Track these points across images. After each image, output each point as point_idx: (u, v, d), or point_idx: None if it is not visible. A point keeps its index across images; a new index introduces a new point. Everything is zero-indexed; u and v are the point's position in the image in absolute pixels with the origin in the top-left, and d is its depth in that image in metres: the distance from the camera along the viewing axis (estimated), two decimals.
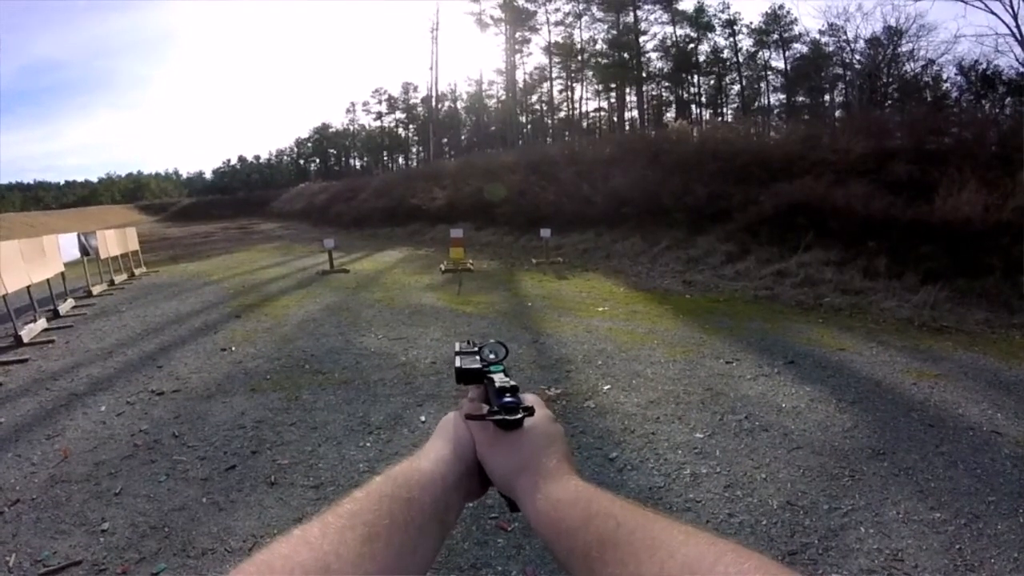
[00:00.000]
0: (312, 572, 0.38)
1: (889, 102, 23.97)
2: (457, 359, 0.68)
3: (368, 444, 3.70)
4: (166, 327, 7.22)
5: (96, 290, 9.97)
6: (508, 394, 0.58)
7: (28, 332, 6.76)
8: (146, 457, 3.64)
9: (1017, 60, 17.50)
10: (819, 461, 3.33)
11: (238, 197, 57.91)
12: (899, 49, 24.71)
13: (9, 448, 3.89)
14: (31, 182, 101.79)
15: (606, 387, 4.61)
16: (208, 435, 3.92)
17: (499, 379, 0.62)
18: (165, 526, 2.88)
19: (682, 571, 0.37)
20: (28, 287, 7.33)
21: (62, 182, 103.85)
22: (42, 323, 7.31)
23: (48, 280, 8.23)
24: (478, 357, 0.68)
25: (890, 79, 25.44)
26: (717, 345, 5.79)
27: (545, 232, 12.21)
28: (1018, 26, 16.37)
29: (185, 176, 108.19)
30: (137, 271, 12.74)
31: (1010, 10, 16.30)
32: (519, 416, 0.56)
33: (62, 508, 3.10)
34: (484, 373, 0.65)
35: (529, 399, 0.61)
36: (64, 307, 8.33)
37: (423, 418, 4.07)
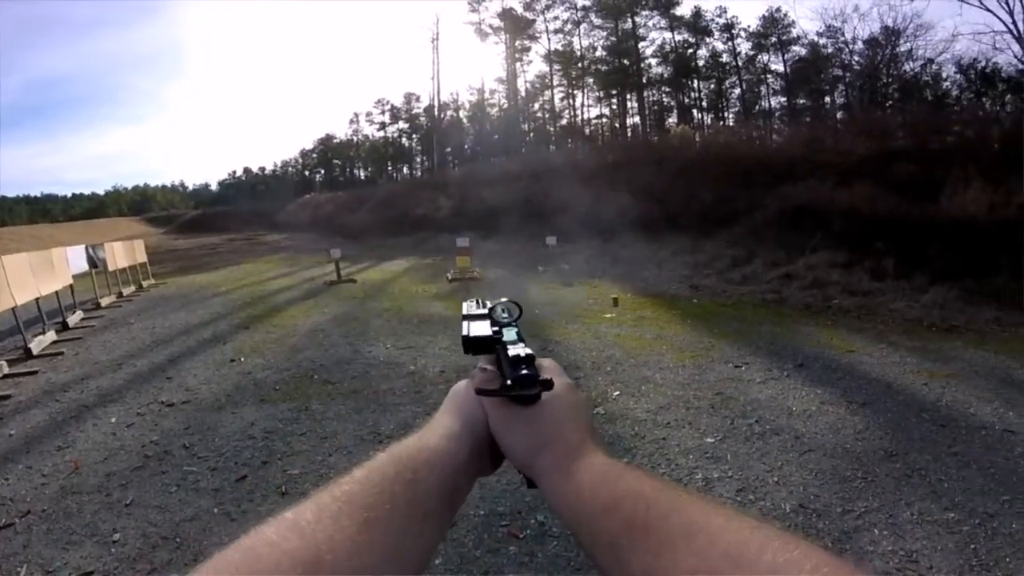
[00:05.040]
0: (302, 562, 0.33)
1: (890, 102, 23.96)
2: (464, 324, 0.60)
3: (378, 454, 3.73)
4: (175, 339, 7.25)
5: (105, 302, 10.03)
6: (523, 365, 0.51)
7: (37, 344, 6.80)
8: (157, 468, 3.65)
9: (1016, 57, 17.48)
10: (831, 464, 3.32)
11: (244, 209, 57.61)
12: (897, 49, 24.73)
13: (20, 460, 3.89)
14: (38, 195, 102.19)
15: (615, 393, 4.61)
16: (218, 446, 3.93)
17: (512, 348, 0.53)
18: (177, 536, 2.87)
19: (724, 561, 0.32)
20: (37, 300, 7.38)
21: (69, 195, 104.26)
22: (51, 335, 7.35)
23: (57, 293, 8.27)
24: (489, 320, 0.60)
25: (890, 79, 25.39)
26: (726, 349, 5.80)
27: (551, 240, 12.30)
28: (1015, 23, 16.34)
29: (191, 188, 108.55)
30: (145, 283, 12.82)
31: (1006, 7, 16.27)
32: (536, 391, 0.49)
33: (73, 519, 3.10)
34: (496, 341, 0.57)
35: (547, 366, 0.55)
36: (73, 319, 8.39)
37: None
